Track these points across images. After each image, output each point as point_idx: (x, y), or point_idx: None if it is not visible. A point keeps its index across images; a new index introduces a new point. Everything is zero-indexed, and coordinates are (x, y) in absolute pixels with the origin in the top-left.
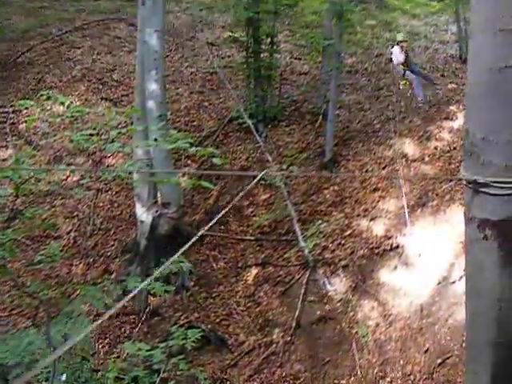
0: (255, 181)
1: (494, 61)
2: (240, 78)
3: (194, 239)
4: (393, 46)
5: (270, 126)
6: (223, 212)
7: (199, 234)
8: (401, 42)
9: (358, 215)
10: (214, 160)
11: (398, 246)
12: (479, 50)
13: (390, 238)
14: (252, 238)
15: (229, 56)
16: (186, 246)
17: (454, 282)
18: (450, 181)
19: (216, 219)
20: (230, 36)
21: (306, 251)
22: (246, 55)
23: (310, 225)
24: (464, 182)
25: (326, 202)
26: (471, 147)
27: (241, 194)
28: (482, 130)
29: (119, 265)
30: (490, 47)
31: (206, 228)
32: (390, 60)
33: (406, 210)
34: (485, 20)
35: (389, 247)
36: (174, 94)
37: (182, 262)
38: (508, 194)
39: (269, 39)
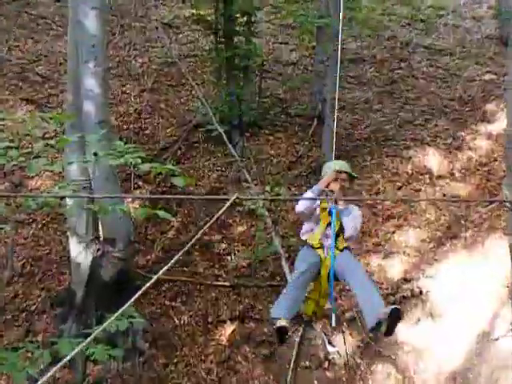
0: (225, 207)
1: None
2: (207, 71)
3: (146, 286)
4: None
5: (247, 135)
6: (184, 250)
7: (153, 279)
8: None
9: (368, 251)
10: (174, 180)
11: (421, 292)
12: None
13: (410, 280)
14: (226, 283)
15: (192, 41)
16: (136, 295)
17: (498, 339)
18: (490, 203)
19: (175, 259)
20: (192, 14)
21: None
22: (215, 40)
23: None
24: (508, 205)
25: None
26: None
27: (207, 226)
28: None
29: (47, 322)
30: None
31: (162, 271)
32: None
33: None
34: None
35: (409, 293)
36: (120, 93)
37: (132, 317)
38: None
39: (245, 18)
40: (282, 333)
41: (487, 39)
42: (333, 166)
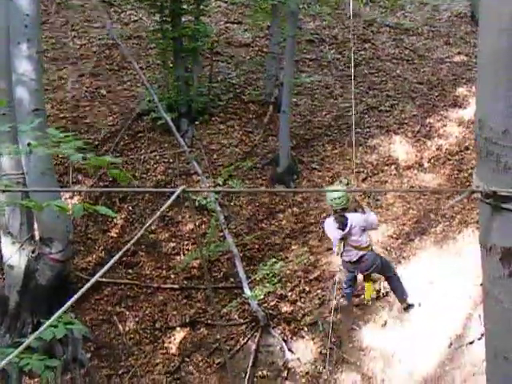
0: (171, 200)
1: None
2: (153, 54)
3: (82, 290)
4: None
5: (197, 123)
6: (125, 248)
7: (90, 282)
8: (335, 208)
9: (329, 249)
10: (113, 173)
11: (387, 293)
12: (494, 5)
13: (376, 281)
14: (175, 286)
15: (135, 21)
16: (71, 300)
17: (472, 343)
18: (460, 194)
19: (114, 259)
20: None
21: (255, 303)
22: (161, 19)
23: (259, 265)
24: (479, 196)
25: (281, 232)
26: (487, 145)
27: (151, 221)
28: (503, 120)
29: None
30: None
31: (100, 273)
32: None
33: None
34: None
35: (375, 294)
36: (57, 78)
37: (71, 323)
38: None
39: None
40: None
41: (458, 18)
42: (328, 201)
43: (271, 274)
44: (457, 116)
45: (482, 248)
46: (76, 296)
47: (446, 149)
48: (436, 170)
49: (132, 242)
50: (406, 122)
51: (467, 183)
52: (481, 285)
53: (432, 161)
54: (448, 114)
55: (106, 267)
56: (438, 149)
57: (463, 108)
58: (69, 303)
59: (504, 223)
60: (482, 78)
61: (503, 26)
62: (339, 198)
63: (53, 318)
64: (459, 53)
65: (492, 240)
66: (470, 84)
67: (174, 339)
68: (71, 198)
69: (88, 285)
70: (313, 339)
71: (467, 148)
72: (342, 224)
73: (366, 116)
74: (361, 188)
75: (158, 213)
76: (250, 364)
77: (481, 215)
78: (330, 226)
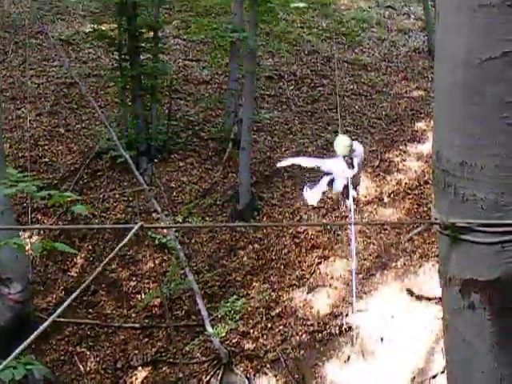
0: (129, 236)
1: (470, 51)
2: (111, 92)
3: (39, 330)
4: None
5: (156, 161)
6: (83, 286)
7: (48, 321)
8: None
9: (291, 285)
10: (76, 208)
11: (349, 328)
12: (450, 37)
13: (337, 316)
14: (136, 324)
15: (93, 59)
16: (28, 340)
17: (435, 376)
18: (418, 227)
19: (72, 297)
20: (93, 30)
21: (217, 341)
22: (119, 58)
23: (220, 302)
24: (437, 228)
25: (243, 268)
26: (445, 177)
27: (108, 258)
28: (459, 152)
29: None
30: (466, 31)
31: (58, 312)
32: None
33: (354, 275)
34: None
35: (337, 330)
36: (14, 117)
37: (30, 364)
38: (501, 242)
39: (151, 33)
40: None
41: (415, 53)
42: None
43: (233, 311)
44: (416, 151)
45: (442, 280)
46: (32, 336)
47: (406, 183)
48: (396, 205)
49: (90, 278)
50: (365, 157)
51: (427, 217)
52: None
53: (392, 195)
54: (407, 148)
55: (65, 304)
56: (397, 183)
57: (422, 143)
58: (25, 343)
59: (463, 254)
60: (438, 111)
61: (458, 59)
62: (350, 146)
63: (9, 359)
64: (417, 88)
65: (451, 271)
66: (429, 119)
67: (136, 379)
68: (30, 237)
69: (45, 324)
70: (275, 376)
71: (426, 182)
72: (352, 165)
73: (326, 151)
74: (323, 222)
75: (116, 249)
76: None
77: (440, 247)
78: (337, 168)
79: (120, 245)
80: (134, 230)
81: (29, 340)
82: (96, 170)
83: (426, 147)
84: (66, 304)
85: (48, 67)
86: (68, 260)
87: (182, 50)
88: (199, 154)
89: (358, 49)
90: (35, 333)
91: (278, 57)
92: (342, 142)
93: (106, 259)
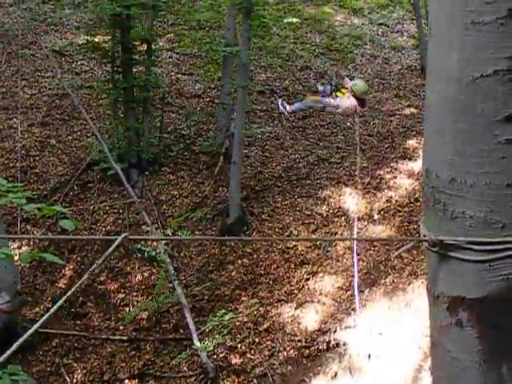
0: (113, 247)
1: (463, 68)
2: (104, 104)
3: (21, 340)
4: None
5: (147, 173)
6: (67, 295)
7: (30, 331)
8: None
9: (279, 301)
10: (64, 223)
11: (337, 344)
12: (443, 54)
13: (325, 332)
14: (124, 337)
15: (86, 71)
16: (10, 350)
17: None
18: (405, 244)
19: (56, 307)
20: (87, 42)
21: (204, 355)
22: (112, 70)
23: (208, 316)
24: (425, 245)
25: (231, 283)
26: (434, 194)
27: (93, 267)
28: (449, 169)
29: None
30: (459, 48)
31: (40, 322)
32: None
33: (357, 289)
34: (451, 9)
35: (325, 346)
36: (6, 127)
37: (15, 374)
38: (489, 261)
39: (145, 46)
40: None
41: (408, 70)
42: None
43: (221, 326)
44: (407, 168)
45: (430, 297)
46: (15, 346)
47: (396, 200)
48: (386, 222)
49: (75, 287)
50: (356, 173)
51: (417, 234)
52: (430, 336)
53: (382, 212)
54: (398, 166)
55: (49, 313)
56: (388, 201)
57: (413, 160)
58: (8, 352)
59: (451, 272)
60: (428, 127)
61: (450, 76)
62: (367, 91)
63: None
64: (409, 105)
65: (439, 289)
66: (420, 136)
67: None
68: (19, 247)
69: (27, 334)
70: None
71: (417, 200)
72: (363, 105)
73: (316, 167)
74: (313, 237)
75: (101, 259)
76: None
77: (428, 264)
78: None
79: (104, 255)
80: (118, 242)
81: (12, 349)
82: (87, 182)
83: (417, 165)
84: (50, 313)
85: (41, 78)
86: (57, 271)
87: (175, 63)
88: (190, 167)
89: (351, 65)
90: (17, 341)
91: (271, 72)
92: (363, 85)
93: (91, 268)
